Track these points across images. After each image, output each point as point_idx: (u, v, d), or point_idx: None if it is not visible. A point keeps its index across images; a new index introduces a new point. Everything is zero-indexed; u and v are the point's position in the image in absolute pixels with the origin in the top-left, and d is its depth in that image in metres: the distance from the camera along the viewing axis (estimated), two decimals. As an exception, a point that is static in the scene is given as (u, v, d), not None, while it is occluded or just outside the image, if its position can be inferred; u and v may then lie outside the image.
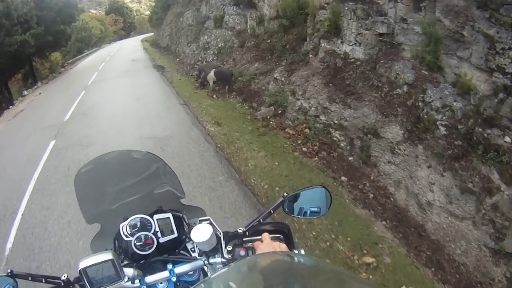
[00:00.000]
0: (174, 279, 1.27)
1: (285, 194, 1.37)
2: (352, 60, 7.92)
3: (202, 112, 9.82)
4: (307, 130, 8.01)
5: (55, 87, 19.16)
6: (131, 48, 32.23)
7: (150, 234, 1.31)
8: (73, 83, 18.10)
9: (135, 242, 1.29)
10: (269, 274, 0.77)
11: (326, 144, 7.47)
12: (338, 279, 0.76)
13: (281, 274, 0.76)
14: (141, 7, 74.35)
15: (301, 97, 8.56)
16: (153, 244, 1.31)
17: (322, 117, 7.86)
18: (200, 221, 1.35)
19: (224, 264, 1.26)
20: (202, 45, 17.14)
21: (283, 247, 1.24)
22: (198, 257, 1.32)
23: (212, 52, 16.35)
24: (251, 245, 1.29)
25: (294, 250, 1.33)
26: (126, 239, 1.30)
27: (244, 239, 1.32)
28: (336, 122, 7.47)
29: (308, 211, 1.44)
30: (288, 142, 7.71)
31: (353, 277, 0.83)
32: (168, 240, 1.35)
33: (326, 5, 8.69)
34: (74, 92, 14.74)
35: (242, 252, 1.26)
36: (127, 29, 59.92)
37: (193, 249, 1.38)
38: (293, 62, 9.88)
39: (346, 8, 8.01)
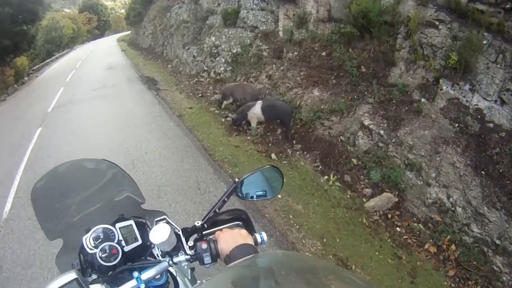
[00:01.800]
0: (142, 286, 1.16)
1: (237, 180, 1.30)
2: (491, 125, 5.19)
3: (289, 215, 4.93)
4: (452, 247, 4.58)
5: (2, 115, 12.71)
6: (107, 49, 26.19)
7: (114, 244, 1.21)
8: (28, 108, 12.09)
9: (100, 254, 1.19)
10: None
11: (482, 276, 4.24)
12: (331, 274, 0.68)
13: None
14: (116, 4, 69.16)
15: (434, 180, 5.16)
16: (118, 254, 1.21)
17: (474, 227, 4.67)
18: (157, 222, 1.19)
19: (188, 261, 1.19)
20: (207, 49, 12.13)
21: (243, 233, 1.19)
22: (162, 259, 1.20)
23: (224, 60, 11.36)
24: (212, 237, 1.23)
25: (255, 234, 1.25)
26: (90, 251, 1.20)
27: (203, 232, 1.27)
28: (496, 241, 4.45)
29: (261, 192, 1.39)
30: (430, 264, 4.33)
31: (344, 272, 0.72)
32: (133, 248, 1.25)
33: (438, 23, 6.06)
34: (23, 135, 9.02)
35: (204, 246, 1.17)
36: (102, 28, 55.80)
37: (158, 254, 1.24)
38: (388, 102, 6.22)
39: (486, 43, 5.34)
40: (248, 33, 11.00)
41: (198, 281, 1.28)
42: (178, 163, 6.13)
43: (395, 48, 6.59)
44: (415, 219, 4.95)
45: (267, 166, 1.37)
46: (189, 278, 1.42)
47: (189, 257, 1.19)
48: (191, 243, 1.21)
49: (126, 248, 1.24)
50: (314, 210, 4.96)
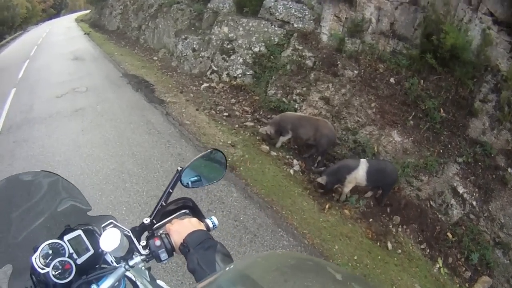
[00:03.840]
0: None
1: (179, 168, 1.22)
2: None
3: None
4: None
5: None
6: (66, 31, 20.94)
7: (65, 258, 1.07)
8: None
9: (53, 272, 1.03)
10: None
11: None
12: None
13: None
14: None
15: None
16: (72, 268, 1.07)
17: None
18: (104, 228, 1.08)
19: (144, 261, 1.11)
20: (217, 42, 9.00)
21: (193, 221, 1.12)
22: (117, 265, 1.09)
23: (241, 60, 8.36)
24: (163, 232, 1.12)
25: (205, 220, 1.18)
26: (42, 271, 1.03)
27: (153, 228, 1.16)
28: None
29: (207, 178, 1.33)
30: None
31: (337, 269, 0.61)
32: (86, 259, 1.11)
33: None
34: None
35: (158, 242, 1.07)
36: (57, 7, 49.11)
37: (112, 260, 1.12)
38: (475, 164, 5.46)
39: None
40: (275, 28, 8.16)
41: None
42: None
43: (477, 96, 5.80)
44: None
45: (209, 150, 1.30)
46: (148, 279, 1.20)
47: (144, 257, 1.09)
48: (143, 242, 1.10)
49: (79, 261, 1.09)
50: None
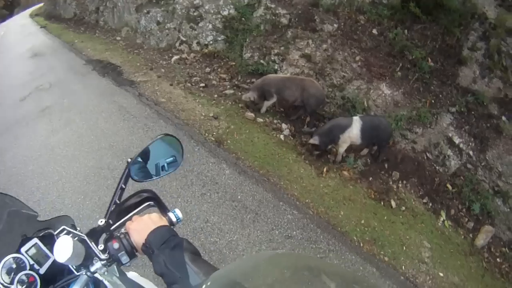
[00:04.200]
0: None
1: (129, 160, 1.13)
2: None
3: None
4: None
5: None
6: (21, 30, 18.90)
7: (27, 271, 0.98)
8: None
9: (19, 287, 0.96)
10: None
11: None
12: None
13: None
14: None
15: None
16: (36, 280, 0.98)
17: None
18: (57, 235, 1.02)
19: (106, 266, 1.01)
20: (181, 11, 8.27)
21: (154, 217, 1.02)
22: (78, 273, 1.00)
23: (211, 26, 7.73)
24: (122, 231, 1.04)
25: (168, 213, 1.08)
26: None
27: (112, 228, 1.09)
28: None
29: (162, 168, 1.21)
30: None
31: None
32: (48, 268, 1.02)
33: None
34: None
35: (116, 245, 0.99)
36: (10, 7, 43.91)
37: (72, 268, 1.05)
38: (468, 113, 5.37)
39: None
40: (242, -14, 7.49)
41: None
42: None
43: (465, 44, 5.61)
44: (502, 243, 4.66)
45: (159, 136, 1.17)
46: (117, 274, 1.11)
47: (105, 261, 0.99)
48: (101, 245, 1.00)
49: (42, 270, 1.00)
50: (463, 275, 3.97)
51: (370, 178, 4.71)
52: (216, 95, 6.10)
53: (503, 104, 5.31)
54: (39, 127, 5.90)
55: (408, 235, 4.14)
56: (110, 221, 1.08)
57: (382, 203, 4.42)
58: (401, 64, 5.67)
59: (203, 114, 5.52)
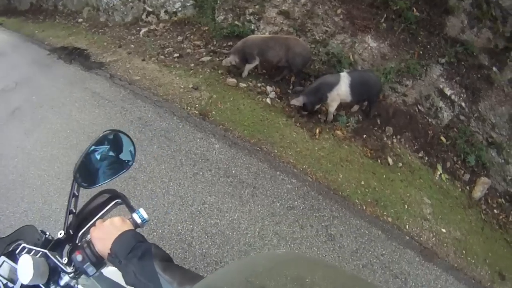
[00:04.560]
0: None
1: (76, 163, 1.01)
2: None
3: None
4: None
5: None
6: None
7: None
8: None
9: None
10: None
11: None
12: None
13: None
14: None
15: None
16: None
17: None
18: (20, 254, 0.93)
19: (75, 278, 0.94)
20: None
21: (116, 221, 0.92)
22: None
23: None
24: (85, 240, 0.96)
25: (132, 214, 0.98)
26: None
27: (75, 238, 1.02)
28: None
29: (113, 168, 1.09)
30: None
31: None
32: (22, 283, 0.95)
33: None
34: None
35: (79, 257, 0.91)
36: None
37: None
38: (458, 64, 5.11)
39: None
40: None
41: None
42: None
43: None
44: (497, 194, 4.73)
45: (101, 134, 1.03)
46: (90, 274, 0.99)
47: (72, 274, 0.92)
48: (65, 259, 0.93)
49: (16, 287, 0.94)
50: (464, 230, 4.01)
51: (364, 136, 4.52)
52: (192, 64, 5.62)
53: (493, 55, 5.12)
54: (11, 131, 5.31)
55: (408, 193, 4.04)
56: (71, 231, 1.00)
57: (379, 161, 4.25)
58: (385, 15, 5.30)
59: (182, 86, 5.08)
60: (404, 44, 5.22)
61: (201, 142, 4.05)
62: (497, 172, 4.83)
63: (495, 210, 4.49)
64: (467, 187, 4.58)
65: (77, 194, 1.03)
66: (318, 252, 3.13)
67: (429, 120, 5.01)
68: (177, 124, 4.36)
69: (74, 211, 1.02)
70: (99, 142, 1.03)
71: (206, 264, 2.85)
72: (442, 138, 4.87)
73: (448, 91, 5.00)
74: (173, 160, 3.81)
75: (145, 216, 0.98)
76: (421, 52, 5.17)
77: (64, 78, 6.33)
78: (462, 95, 5.04)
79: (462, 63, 5.10)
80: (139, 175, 3.63)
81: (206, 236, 3.07)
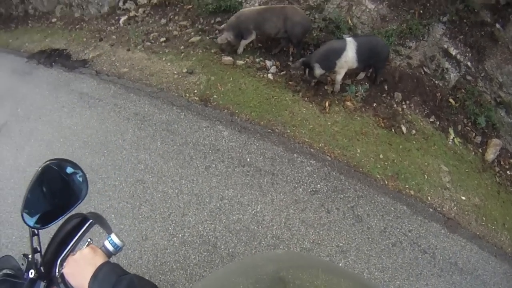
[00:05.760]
0: None
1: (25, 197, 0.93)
2: None
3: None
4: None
5: None
6: None
7: None
8: None
9: None
10: None
11: None
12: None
13: None
14: None
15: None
16: None
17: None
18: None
19: None
20: None
21: (86, 253, 0.84)
22: None
23: None
24: (60, 274, 0.90)
25: (105, 242, 0.89)
26: None
27: (48, 273, 0.94)
28: None
29: (64, 203, 0.98)
30: None
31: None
32: None
33: None
34: None
35: None
36: None
37: None
38: (460, 22, 4.80)
39: None
40: None
41: None
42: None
43: None
44: (509, 155, 4.54)
45: (42, 165, 0.95)
46: None
47: None
48: None
49: None
50: (482, 195, 3.85)
51: (374, 104, 4.27)
52: (182, 47, 5.19)
53: (495, 11, 4.83)
54: (2, 151, 4.85)
55: (426, 162, 3.85)
56: (42, 269, 0.92)
57: (393, 130, 4.04)
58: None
59: (175, 72, 4.68)
60: (403, 4, 4.88)
61: (207, 131, 3.73)
62: (507, 132, 4.68)
63: (508, 172, 4.38)
64: (480, 150, 4.45)
65: (37, 232, 0.95)
66: (348, 236, 2.95)
67: (436, 82, 4.75)
68: (178, 115, 4.00)
69: (39, 249, 0.95)
70: (40, 178, 0.94)
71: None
72: (451, 100, 4.65)
73: (453, 51, 4.71)
74: (181, 155, 3.51)
75: (117, 242, 0.89)
76: (421, 11, 4.83)
77: (47, 83, 5.82)
78: (467, 54, 4.77)
79: (465, 20, 4.81)
80: (147, 177, 3.35)
81: (231, 234, 2.85)
